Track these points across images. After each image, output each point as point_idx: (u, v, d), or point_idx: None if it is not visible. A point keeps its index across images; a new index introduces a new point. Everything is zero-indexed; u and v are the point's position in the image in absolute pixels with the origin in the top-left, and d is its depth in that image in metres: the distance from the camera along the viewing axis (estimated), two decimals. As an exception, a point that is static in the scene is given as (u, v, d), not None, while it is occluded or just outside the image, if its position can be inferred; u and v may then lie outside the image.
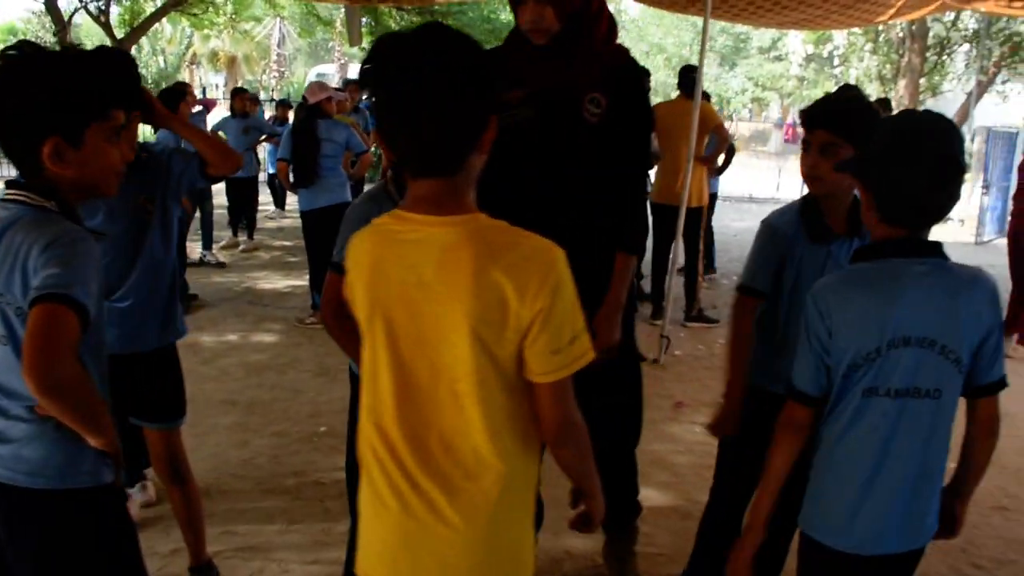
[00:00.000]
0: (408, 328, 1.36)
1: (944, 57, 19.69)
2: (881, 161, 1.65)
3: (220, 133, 8.45)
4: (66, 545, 1.67)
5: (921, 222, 1.69)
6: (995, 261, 10.32)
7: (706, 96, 8.07)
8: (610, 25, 2.49)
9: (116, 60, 2.25)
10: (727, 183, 9.49)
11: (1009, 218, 6.77)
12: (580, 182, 2.48)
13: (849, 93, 2.29)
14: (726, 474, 2.59)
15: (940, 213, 1.67)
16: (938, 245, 1.70)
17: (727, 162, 7.88)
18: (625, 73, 2.49)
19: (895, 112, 7.99)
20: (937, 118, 1.72)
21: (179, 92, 6.37)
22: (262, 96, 21.32)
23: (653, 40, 32.55)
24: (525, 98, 2.40)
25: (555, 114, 2.42)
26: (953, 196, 1.65)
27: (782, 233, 2.27)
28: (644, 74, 2.66)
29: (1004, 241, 11.59)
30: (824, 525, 1.78)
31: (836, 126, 2.14)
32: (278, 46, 35.22)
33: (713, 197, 8.19)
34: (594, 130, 2.44)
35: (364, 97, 7.95)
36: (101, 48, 2.42)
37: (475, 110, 1.31)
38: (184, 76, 30.81)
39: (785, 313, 2.31)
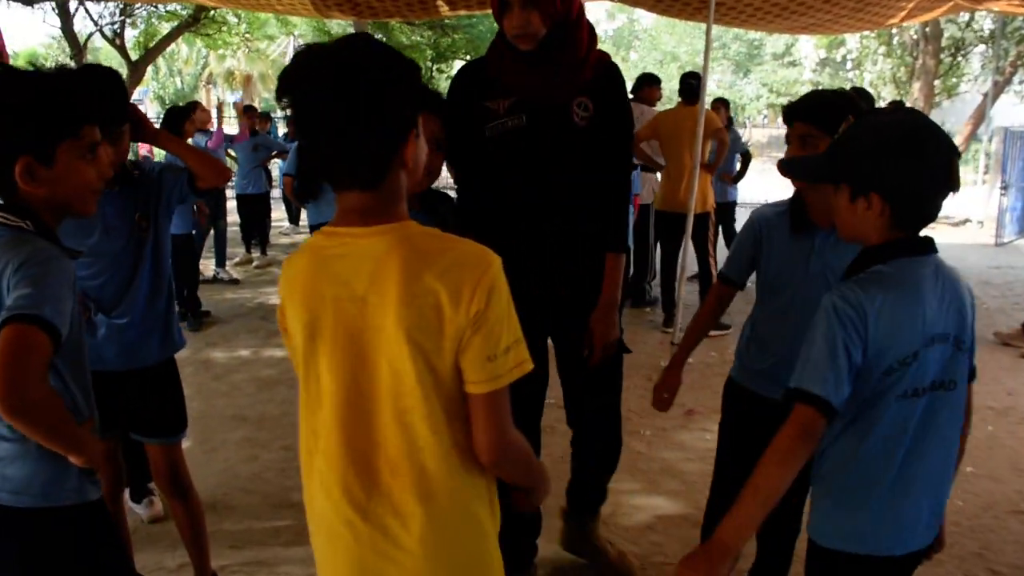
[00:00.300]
0: (348, 347, 1.32)
1: (959, 58, 19.54)
2: (898, 166, 1.59)
3: (230, 151, 8.52)
4: (50, 563, 1.66)
5: (927, 224, 1.67)
6: (1015, 263, 10.26)
7: (724, 102, 8.06)
8: (590, 32, 2.50)
9: (93, 77, 2.27)
10: (745, 190, 9.41)
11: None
12: (565, 188, 2.51)
13: (828, 90, 2.32)
14: (722, 481, 2.56)
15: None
16: (932, 241, 1.69)
17: (743, 169, 7.83)
18: (610, 78, 2.52)
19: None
20: (922, 115, 1.70)
21: (185, 111, 6.42)
22: (278, 113, 21.52)
23: (667, 49, 32.56)
24: (513, 106, 2.44)
25: (545, 121, 2.45)
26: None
27: (759, 224, 2.34)
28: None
29: (1022, 242, 11.52)
30: (851, 532, 1.71)
31: (813, 118, 2.17)
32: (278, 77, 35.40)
33: (732, 205, 8.16)
34: (582, 134, 2.47)
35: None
36: (87, 66, 2.44)
37: (389, 124, 1.27)
38: (201, 95, 31.14)
39: (764, 307, 2.35)
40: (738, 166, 7.84)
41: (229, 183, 8.07)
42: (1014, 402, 5.03)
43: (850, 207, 1.66)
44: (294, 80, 1.26)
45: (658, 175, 6.73)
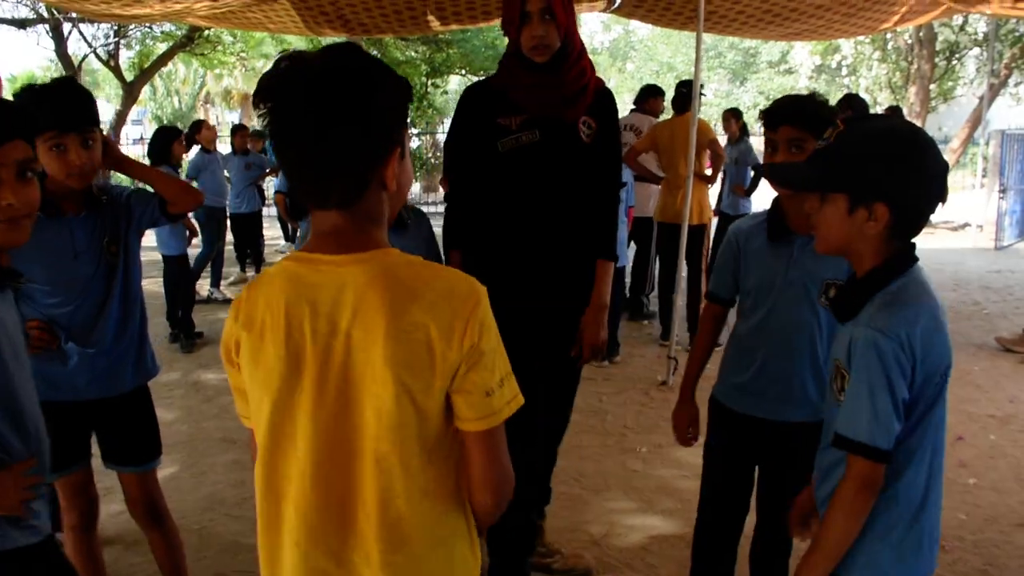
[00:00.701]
0: (329, 386, 1.22)
1: (954, 62, 19.51)
2: (906, 173, 1.53)
3: (225, 172, 8.47)
4: None
5: (917, 235, 1.62)
6: (1015, 266, 10.19)
7: (736, 113, 7.99)
8: (590, 62, 2.66)
9: (43, 91, 2.21)
10: (760, 202, 9.22)
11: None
12: (570, 202, 2.62)
13: (809, 94, 2.27)
14: (709, 502, 2.49)
15: None
16: (915, 245, 1.64)
17: (756, 181, 7.60)
18: (607, 102, 2.68)
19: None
20: (914, 124, 1.67)
21: (172, 132, 6.36)
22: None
23: (663, 59, 32.55)
24: (525, 122, 2.53)
25: (556, 136, 2.55)
26: None
27: (736, 237, 2.30)
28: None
29: (1023, 245, 11.45)
30: (895, 567, 1.62)
31: (801, 121, 2.13)
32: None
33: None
34: (586, 151, 2.61)
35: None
36: (58, 80, 2.37)
37: (369, 139, 1.19)
38: (199, 115, 31.18)
39: (746, 319, 2.29)
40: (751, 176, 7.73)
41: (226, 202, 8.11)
42: (1016, 409, 4.95)
43: (847, 218, 1.57)
44: (270, 86, 1.19)
45: (657, 186, 6.66)
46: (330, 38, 8.43)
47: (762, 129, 2.26)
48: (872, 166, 1.53)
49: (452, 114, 2.79)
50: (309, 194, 1.24)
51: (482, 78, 2.82)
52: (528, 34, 2.45)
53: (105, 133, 2.43)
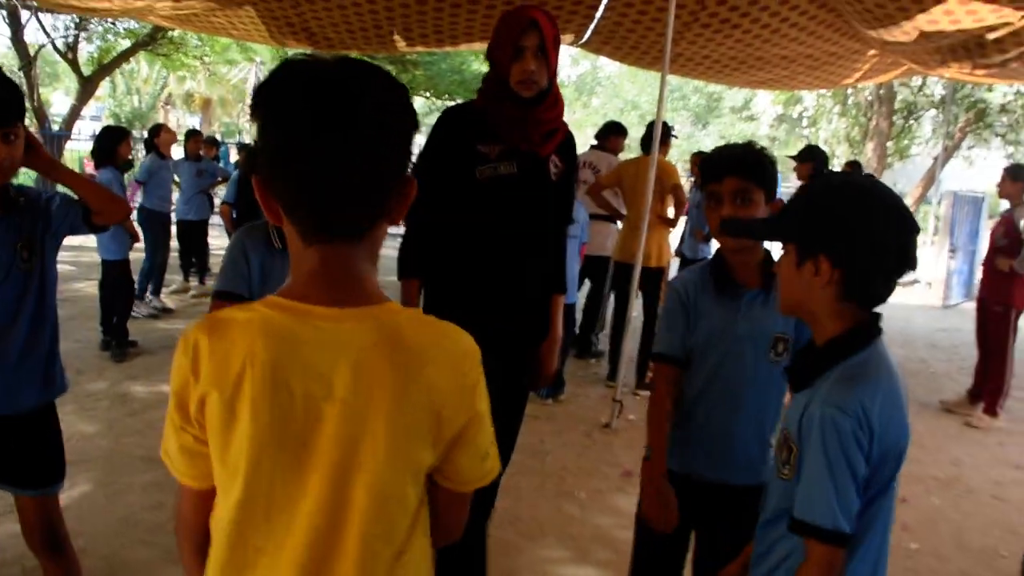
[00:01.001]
0: (319, 457, 1.07)
1: (911, 121, 19.99)
2: (849, 225, 1.46)
3: (175, 176, 8.25)
4: None
5: (877, 302, 1.53)
6: (961, 325, 10.32)
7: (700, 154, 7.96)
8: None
9: None
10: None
11: (978, 285, 6.68)
12: (534, 235, 2.66)
13: (747, 143, 2.19)
14: (642, 562, 2.37)
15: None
16: (880, 316, 1.56)
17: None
18: (571, 144, 2.75)
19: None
20: (882, 184, 1.57)
21: (120, 133, 6.16)
22: (237, 139, 21.12)
23: (628, 97, 32.89)
24: (503, 153, 2.53)
25: (531, 170, 2.58)
26: None
27: (684, 292, 2.18)
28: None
29: (970, 305, 11.61)
30: None
31: (746, 171, 2.07)
32: (254, 89, 35.22)
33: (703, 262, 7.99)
34: (552, 187, 2.66)
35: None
36: None
37: (395, 162, 1.09)
38: (159, 116, 30.65)
39: (691, 373, 2.18)
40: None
41: (172, 207, 7.88)
42: (959, 472, 4.94)
43: (795, 273, 1.52)
44: (292, 101, 1.04)
45: (618, 225, 6.59)
46: (294, 50, 8.31)
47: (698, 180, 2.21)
48: (816, 216, 1.50)
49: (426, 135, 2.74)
50: (314, 220, 1.08)
51: (459, 102, 2.81)
52: (519, 68, 2.46)
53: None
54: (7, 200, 2.20)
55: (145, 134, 7.70)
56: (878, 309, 1.54)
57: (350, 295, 1.09)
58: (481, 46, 7.78)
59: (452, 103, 20.90)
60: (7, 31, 14.03)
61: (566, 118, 2.76)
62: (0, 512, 2.51)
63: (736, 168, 2.08)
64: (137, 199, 7.98)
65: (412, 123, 1.11)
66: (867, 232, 1.45)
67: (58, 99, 32.13)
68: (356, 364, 1.06)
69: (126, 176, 7.04)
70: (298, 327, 1.07)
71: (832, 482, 1.41)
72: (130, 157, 6.40)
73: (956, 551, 3.86)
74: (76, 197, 2.30)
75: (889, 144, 18.94)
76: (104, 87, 24.49)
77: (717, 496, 2.16)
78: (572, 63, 36.49)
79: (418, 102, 21.71)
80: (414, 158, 1.19)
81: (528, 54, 2.45)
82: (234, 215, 5.96)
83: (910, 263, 1.49)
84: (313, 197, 1.05)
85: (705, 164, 2.18)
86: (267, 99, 1.06)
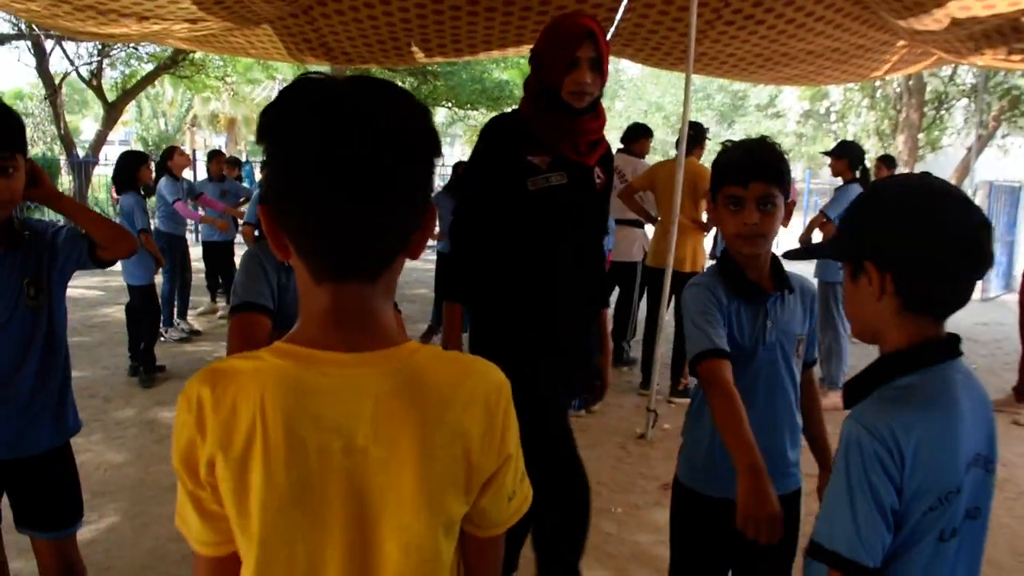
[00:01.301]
0: (342, 514, 0.98)
1: (943, 112, 19.62)
2: (895, 225, 1.33)
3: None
4: None
5: (951, 309, 1.37)
6: (1003, 319, 10.04)
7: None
8: None
9: None
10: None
11: (1021, 276, 6.44)
12: (583, 246, 2.67)
13: (763, 141, 2.06)
14: None
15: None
16: (959, 338, 1.39)
17: None
18: (610, 152, 2.75)
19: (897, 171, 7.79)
20: (940, 180, 1.43)
21: (139, 158, 6.14)
22: (262, 157, 21.16)
23: (652, 99, 32.73)
24: (552, 163, 2.51)
25: (579, 180, 2.57)
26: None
27: (713, 291, 2.03)
28: None
29: (1010, 297, 11.34)
30: None
31: (773, 176, 1.96)
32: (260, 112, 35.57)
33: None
34: (597, 198, 2.67)
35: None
36: None
37: (420, 191, 0.99)
38: (186, 138, 31.00)
39: None
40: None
41: (189, 229, 7.86)
42: (1009, 474, 4.74)
43: (854, 290, 1.39)
44: (289, 117, 0.95)
45: (648, 230, 6.45)
46: (313, 66, 8.29)
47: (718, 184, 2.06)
48: (857, 223, 1.39)
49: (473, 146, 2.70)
50: (326, 258, 0.98)
51: (504, 112, 2.76)
52: (574, 79, 2.44)
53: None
54: (12, 235, 2.13)
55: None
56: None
57: (365, 338, 1.00)
58: (500, 54, 7.69)
59: (475, 113, 21.01)
60: (32, 60, 14.23)
61: None
62: (16, 551, 2.44)
63: (764, 173, 1.97)
64: (200, 212, 8.00)
65: (433, 146, 1.00)
66: (909, 227, 1.32)
67: (87, 126, 32.63)
68: (375, 413, 0.97)
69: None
70: (310, 376, 0.97)
71: (851, 508, 1.27)
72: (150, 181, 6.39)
73: (1012, 558, 3.68)
74: (82, 231, 2.23)
75: (920, 136, 18.61)
76: (131, 111, 24.81)
77: None
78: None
79: (440, 113, 21.77)
80: (438, 183, 1.08)
81: (584, 65, 2.43)
82: (257, 235, 5.90)
83: (979, 259, 1.31)
84: (324, 232, 0.95)
85: (726, 166, 2.03)
86: (272, 122, 0.96)
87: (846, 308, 1.46)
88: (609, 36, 6.52)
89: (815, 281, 6.26)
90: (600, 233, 2.79)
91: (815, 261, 6.51)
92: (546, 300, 2.57)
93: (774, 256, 2.08)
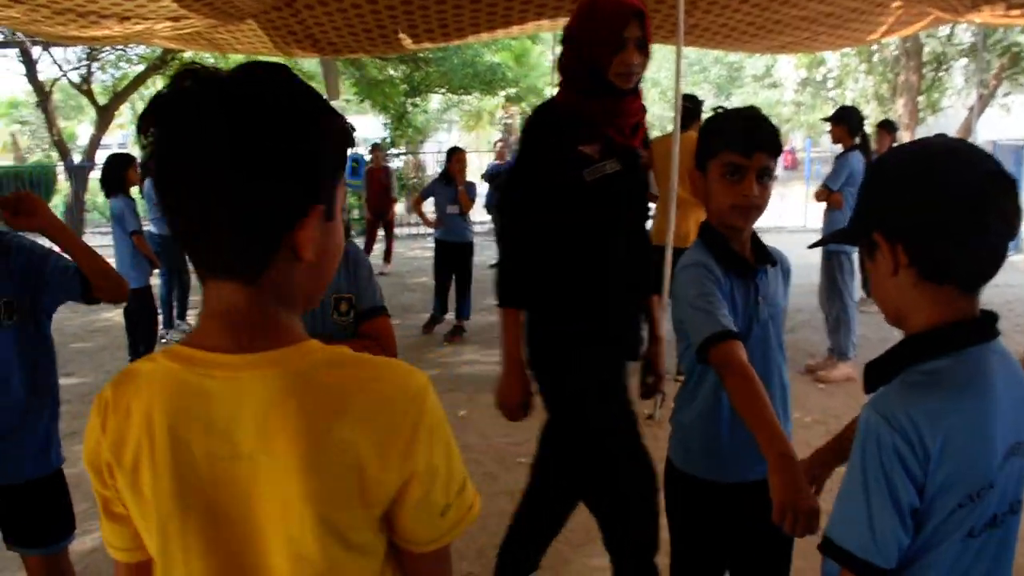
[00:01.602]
0: (230, 524, 0.93)
1: (942, 73, 19.42)
2: (903, 195, 1.22)
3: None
4: None
5: (977, 281, 1.24)
6: (1012, 280, 9.92)
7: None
8: None
9: None
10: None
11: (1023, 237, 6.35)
12: (638, 232, 2.60)
13: (754, 110, 2.01)
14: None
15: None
16: (996, 316, 1.27)
17: None
18: (647, 134, 2.66)
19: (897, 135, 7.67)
20: (950, 140, 1.31)
21: (126, 159, 6.06)
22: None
23: (647, 75, 32.51)
24: (603, 151, 2.41)
25: (630, 166, 2.48)
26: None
27: (709, 269, 1.93)
28: None
29: (1019, 258, 11.23)
30: None
31: (774, 147, 1.92)
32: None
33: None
34: (644, 182, 2.63)
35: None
36: None
37: (283, 192, 0.90)
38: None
39: (710, 371, 1.91)
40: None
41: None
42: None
43: (873, 268, 1.29)
44: (165, 109, 0.91)
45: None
46: (301, 58, 8.21)
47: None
48: (868, 197, 1.30)
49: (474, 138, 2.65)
50: (198, 254, 0.94)
51: (544, 101, 2.64)
52: (622, 60, 2.35)
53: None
54: None
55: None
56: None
57: (255, 339, 0.93)
58: (489, 37, 7.60)
59: (468, 97, 20.89)
60: (22, 68, 14.17)
61: None
62: (17, 565, 2.39)
63: (768, 143, 1.92)
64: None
65: (322, 148, 0.93)
66: (909, 190, 1.22)
67: (84, 130, 32.59)
68: (263, 418, 0.91)
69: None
70: (196, 379, 0.93)
71: (866, 506, 1.17)
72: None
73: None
74: (74, 266, 2.16)
75: (920, 98, 18.42)
76: (126, 114, 24.73)
77: (756, 492, 1.88)
78: (588, 46, 36.24)
79: (435, 99, 21.65)
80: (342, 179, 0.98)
81: (631, 46, 2.36)
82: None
83: (992, 214, 1.17)
84: (182, 230, 0.93)
85: (728, 133, 1.95)
86: (150, 116, 0.92)
87: (873, 292, 1.34)
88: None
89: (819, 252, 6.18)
90: (646, 217, 2.70)
91: (818, 228, 6.42)
92: (598, 291, 2.45)
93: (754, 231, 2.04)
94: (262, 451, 0.91)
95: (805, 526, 1.53)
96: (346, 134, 0.98)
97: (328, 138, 0.94)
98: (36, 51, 13.73)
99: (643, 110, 2.56)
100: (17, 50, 13.52)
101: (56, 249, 2.17)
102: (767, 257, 2.01)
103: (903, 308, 1.26)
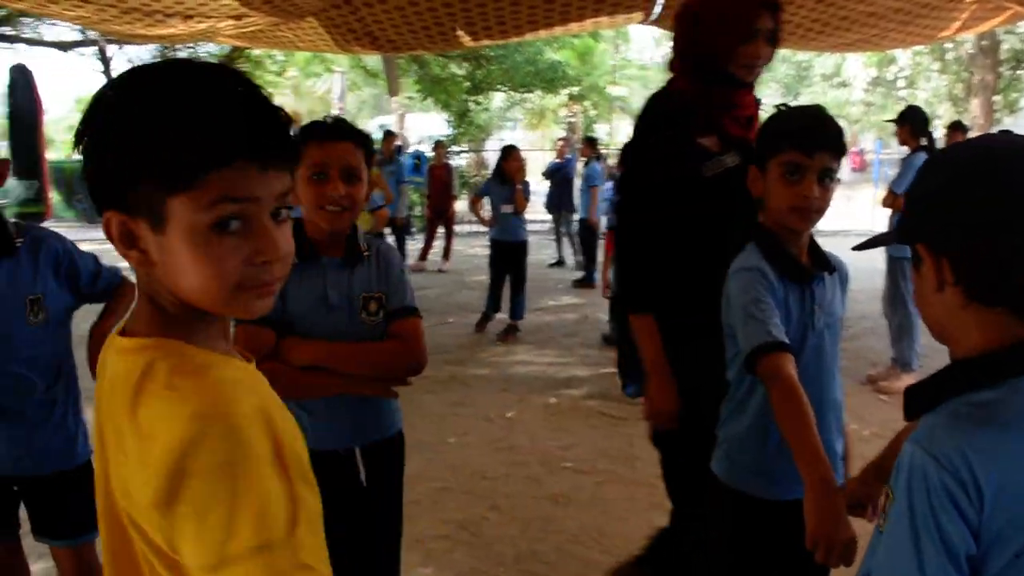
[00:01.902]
0: (102, 480, 0.98)
1: (1020, 71, 18.74)
2: (950, 205, 1.08)
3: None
4: None
5: None
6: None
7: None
8: None
9: None
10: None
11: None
12: (750, 224, 2.46)
13: (818, 108, 1.92)
14: None
15: None
16: None
17: None
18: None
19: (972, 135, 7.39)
20: (1010, 138, 1.14)
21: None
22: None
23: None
24: (722, 143, 2.34)
25: (748, 158, 2.30)
26: None
27: (765, 276, 1.86)
28: None
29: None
30: None
31: (838, 147, 1.84)
32: (339, 100, 36.00)
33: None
34: None
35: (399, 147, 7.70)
36: None
37: (91, 188, 0.91)
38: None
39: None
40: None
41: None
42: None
43: (917, 279, 1.15)
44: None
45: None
46: (361, 55, 8.27)
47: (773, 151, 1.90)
48: (915, 198, 1.17)
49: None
50: None
51: (660, 89, 2.52)
52: (750, 51, 2.29)
53: None
54: (3, 241, 2.09)
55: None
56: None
57: (137, 324, 0.97)
58: (548, 34, 7.54)
59: (531, 96, 20.82)
60: (100, 66, 14.60)
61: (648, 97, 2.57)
62: (37, 555, 2.44)
63: (832, 143, 1.84)
64: None
65: (117, 148, 0.87)
66: (961, 196, 1.07)
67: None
68: (111, 396, 0.94)
69: None
70: (103, 356, 1.01)
71: (917, 557, 1.01)
72: None
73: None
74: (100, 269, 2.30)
75: (996, 98, 17.79)
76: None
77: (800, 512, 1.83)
78: (656, 44, 35.86)
79: (498, 97, 21.65)
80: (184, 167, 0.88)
81: (761, 38, 2.29)
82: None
83: None
84: None
85: (790, 131, 1.87)
86: None
87: (916, 305, 1.21)
88: (658, 10, 6.31)
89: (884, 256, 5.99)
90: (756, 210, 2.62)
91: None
92: (715, 284, 2.27)
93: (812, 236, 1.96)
94: (130, 432, 0.88)
95: (840, 556, 1.45)
96: (201, 151, 0.85)
97: (159, 148, 0.85)
98: (111, 50, 14.12)
99: (758, 103, 2.47)
100: (95, 48, 13.92)
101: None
102: (825, 263, 1.93)
103: (949, 328, 1.13)
